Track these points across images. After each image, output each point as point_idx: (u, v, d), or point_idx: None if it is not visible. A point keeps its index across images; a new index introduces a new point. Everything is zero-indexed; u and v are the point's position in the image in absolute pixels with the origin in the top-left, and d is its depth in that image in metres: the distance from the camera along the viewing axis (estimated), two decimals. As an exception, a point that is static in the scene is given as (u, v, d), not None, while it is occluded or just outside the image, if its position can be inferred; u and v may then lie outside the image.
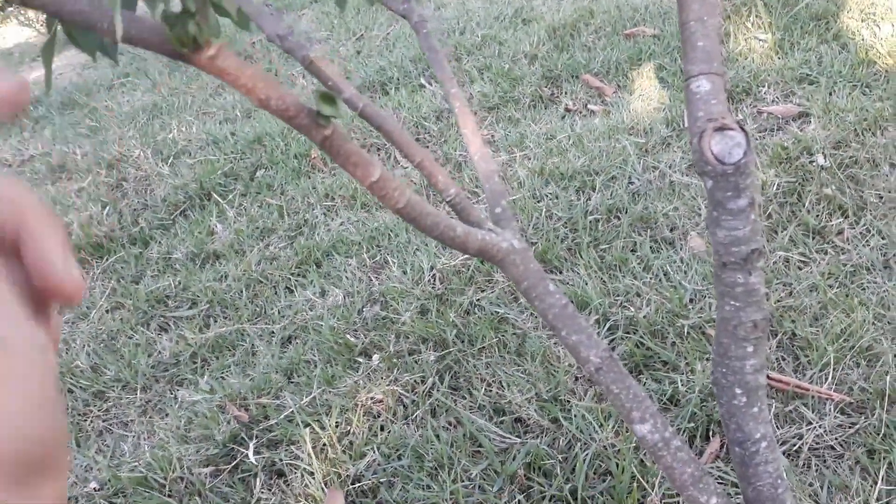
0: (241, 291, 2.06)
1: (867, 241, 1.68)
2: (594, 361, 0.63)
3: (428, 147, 2.65)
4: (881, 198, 1.79)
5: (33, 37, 7.31)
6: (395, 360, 1.70)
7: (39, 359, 0.26)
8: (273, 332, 1.89)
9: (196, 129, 3.15)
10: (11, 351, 0.25)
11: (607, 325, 1.63)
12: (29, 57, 5.96)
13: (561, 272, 1.84)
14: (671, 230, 1.88)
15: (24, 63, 5.80)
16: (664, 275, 1.73)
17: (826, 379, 1.40)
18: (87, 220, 2.55)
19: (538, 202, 2.12)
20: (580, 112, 2.60)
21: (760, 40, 2.60)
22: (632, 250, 1.85)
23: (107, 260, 2.36)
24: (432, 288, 1.90)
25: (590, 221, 1.97)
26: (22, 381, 0.25)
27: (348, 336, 1.80)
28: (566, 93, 2.73)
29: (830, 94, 2.21)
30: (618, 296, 1.71)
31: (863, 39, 2.45)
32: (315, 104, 0.50)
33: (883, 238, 1.67)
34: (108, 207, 2.66)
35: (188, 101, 3.56)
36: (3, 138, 3.69)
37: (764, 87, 2.34)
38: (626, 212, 1.97)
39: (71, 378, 1.86)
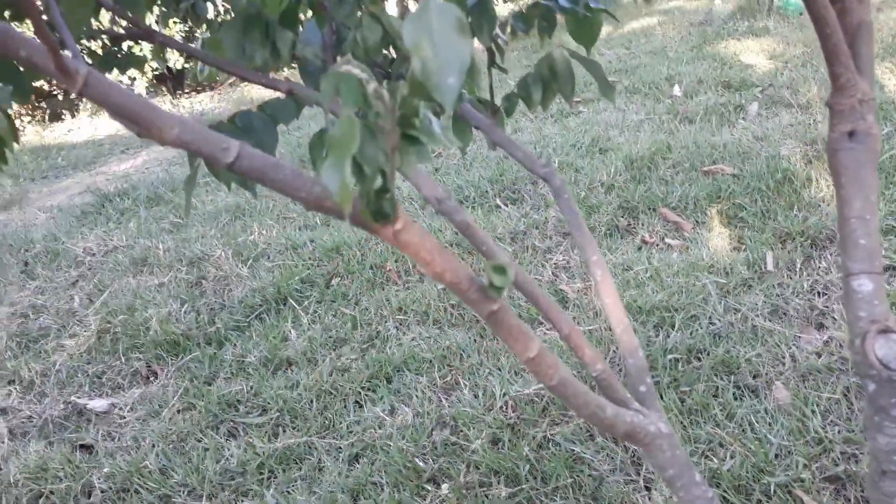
0: (312, 402, 2.06)
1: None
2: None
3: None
4: (979, 362, 1.72)
5: (123, 129, 7.72)
6: (464, 492, 1.66)
7: None
8: (341, 448, 1.88)
9: (276, 233, 3.24)
10: None
11: (688, 475, 1.57)
12: (119, 148, 6.27)
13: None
14: (754, 377, 1.84)
15: (113, 154, 6.10)
16: (748, 425, 1.68)
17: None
18: (166, 316, 2.61)
19: (613, 335, 2.10)
20: (657, 245, 2.60)
21: (845, 188, 2.59)
22: (714, 395, 1.80)
23: (182, 358, 2.40)
24: (504, 416, 1.87)
25: (669, 360, 1.94)
26: None
27: (417, 460, 1.78)
28: (643, 224, 2.74)
29: (920, 248, 2.17)
30: (699, 443, 1.66)
31: (952, 194, 2.42)
32: (487, 275, 0.51)
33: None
34: (186, 305, 2.73)
35: (270, 204, 3.68)
36: (89, 228, 3.85)
37: (850, 235, 2.31)
38: (708, 354, 1.93)
39: (139, 479, 1.86)
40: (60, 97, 8.30)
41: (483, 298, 0.49)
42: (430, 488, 1.69)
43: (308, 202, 0.47)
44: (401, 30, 0.68)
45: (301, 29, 0.83)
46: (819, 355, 1.86)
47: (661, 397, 1.80)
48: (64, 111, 8.39)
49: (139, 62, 0.97)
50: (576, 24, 0.78)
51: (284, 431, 1.98)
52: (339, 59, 0.83)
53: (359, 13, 0.72)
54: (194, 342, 2.50)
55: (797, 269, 2.21)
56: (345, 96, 0.45)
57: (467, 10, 0.74)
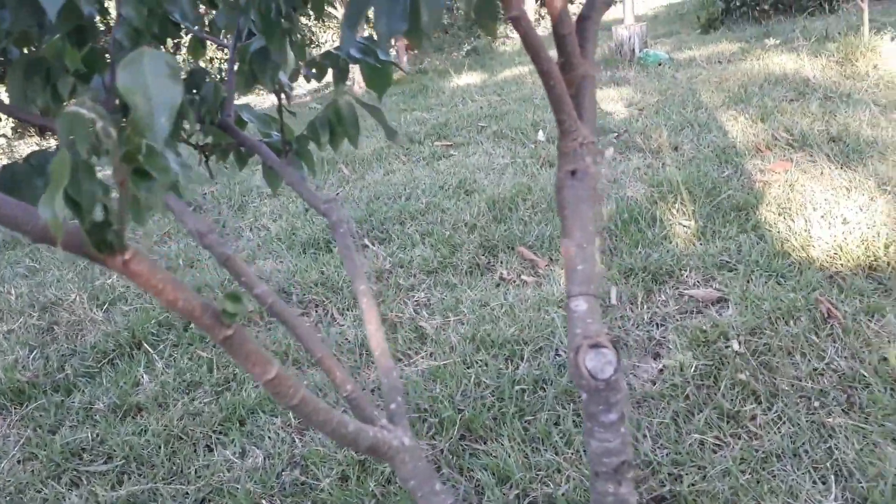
0: (160, 447, 2.01)
1: (779, 427, 1.74)
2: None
3: (366, 307, 2.69)
4: (793, 386, 1.86)
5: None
6: (309, 530, 1.65)
7: None
8: (188, 494, 1.83)
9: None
10: None
11: (527, 501, 1.63)
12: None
13: (486, 442, 1.85)
14: (594, 406, 1.92)
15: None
16: (584, 451, 1.75)
17: (736, 568, 1.40)
18: (12, 364, 2.49)
19: (468, 368, 2.15)
20: (514, 282, 2.69)
21: (684, 226, 2.77)
22: (555, 423, 1.87)
23: (26, 407, 2.29)
24: (355, 453, 1.88)
25: (516, 391, 2.00)
26: None
27: (264, 501, 1.76)
28: (502, 262, 2.83)
29: (748, 281, 2.34)
30: (539, 470, 1.72)
31: (779, 232, 2.63)
32: (220, 302, 0.53)
33: (793, 426, 1.73)
34: (35, 352, 2.61)
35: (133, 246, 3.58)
36: (-64, 273, 3.64)
37: (686, 270, 2.47)
38: (552, 383, 2.01)
39: (-35, 535, 1.76)
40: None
41: (217, 324, 0.51)
42: (275, 528, 1.68)
43: (34, 234, 0.49)
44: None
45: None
46: (654, 383, 1.97)
47: (506, 426, 1.86)
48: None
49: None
50: (369, 72, 0.83)
51: (129, 479, 1.92)
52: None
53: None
54: (41, 390, 2.39)
55: (638, 303, 2.34)
56: (77, 135, 0.47)
57: (249, 55, 0.77)
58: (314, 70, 0.86)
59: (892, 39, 4.91)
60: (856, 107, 3.93)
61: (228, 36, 0.92)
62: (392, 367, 0.70)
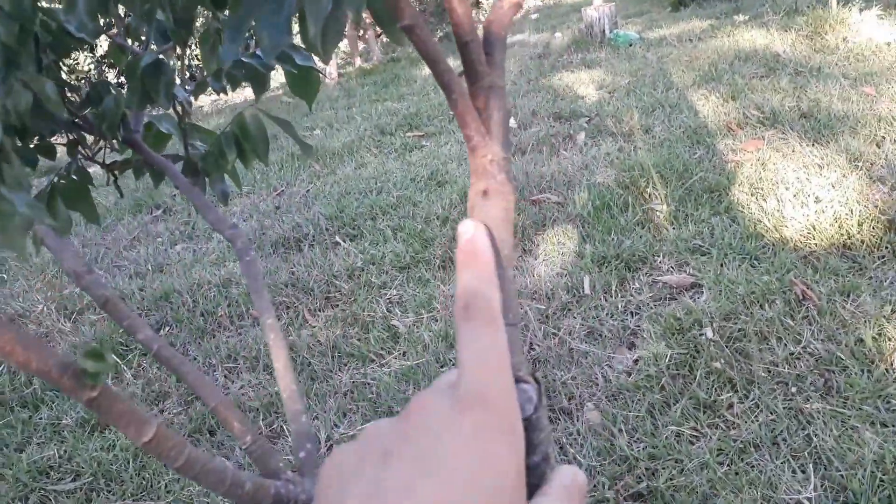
0: (129, 462, 1.96)
1: (756, 416, 1.71)
2: None
3: (338, 306, 2.65)
4: (769, 371, 1.84)
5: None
6: (282, 543, 1.61)
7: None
8: (158, 510, 1.79)
9: (104, 283, 3.09)
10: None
11: (502, 505, 1.59)
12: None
13: (460, 444, 1.81)
14: (569, 399, 1.89)
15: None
16: (560, 448, 1.72)
17: (715, 565, 1.38)
18: (-26, 381, 2.43)
19: (441, 367, 2.12)
20: (488, 275, 2.65)
21: (657, 211, 2.74)
22: (531, 422, 1.83)
23: (-11, 426, 2.23)
24: (329, 460, 1.84)
25: (491, 390, 1.96)
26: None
27: (236, 514, 1.71)
28: (476, 255, 2.79)
29: (721, 265, 2.31)
30: (514, 471, 1.68)
31: (752, 213, 2.60)
32: (81, 361, 0.48)
33: (771, 413, 1.71)
34: (2, 366, 2.55)
35: (101, 252, 3.51)
36: None
37: (659, 256, 2.44)
38: (527, 381, 1.98)
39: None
40: None
41: (80, 386, 0.46)
42: (246, 543, 1.64)
43: None
44: (53, 95, 0.66)
45: None
46: (629, 374, 1.94)
47: (480, 428, 1.83)
48: None
49: None
50: (293, 79, 0.78)
51: (98, 496, 1.88)
52: None
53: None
54: (7, 406, 2.33)
55: (612, 291, 2.31)
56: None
57: (141, 72, 0.71)
58: (221, 81, 0.80)
59: (861, 11, 4.89)
60: (826, 81, 3.91)
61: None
62: (301, 412, 0.66)
